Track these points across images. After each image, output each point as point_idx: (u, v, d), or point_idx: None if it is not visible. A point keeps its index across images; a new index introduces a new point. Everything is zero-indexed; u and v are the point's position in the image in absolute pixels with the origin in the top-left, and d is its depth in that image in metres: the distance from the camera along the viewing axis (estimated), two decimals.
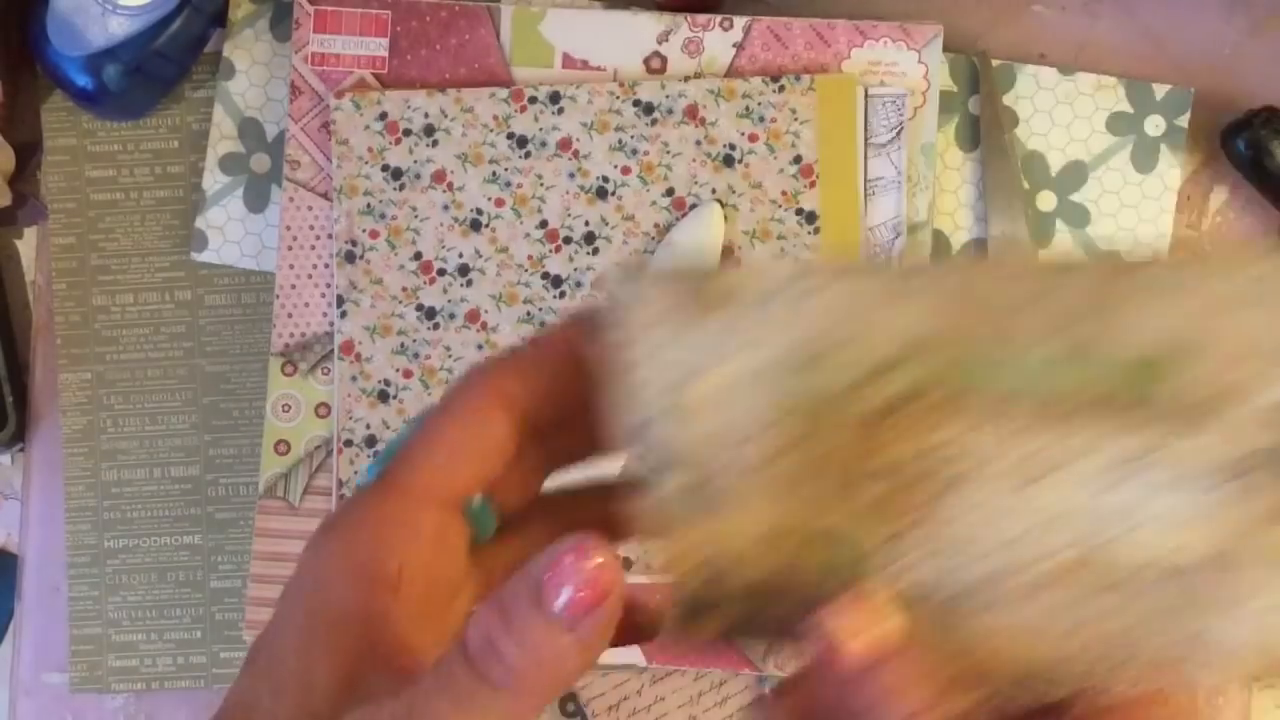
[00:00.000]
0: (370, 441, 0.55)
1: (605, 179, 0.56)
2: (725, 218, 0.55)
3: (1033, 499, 0.30)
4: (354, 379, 0.56)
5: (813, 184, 0.55)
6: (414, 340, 0.56)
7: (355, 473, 0.56)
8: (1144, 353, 0.29)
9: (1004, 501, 0.30)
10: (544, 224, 0.56)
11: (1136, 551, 0.30)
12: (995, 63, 0.57)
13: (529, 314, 0.56)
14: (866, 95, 0.56)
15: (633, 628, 0.30)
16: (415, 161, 0.56)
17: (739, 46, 0.56)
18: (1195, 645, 0.30)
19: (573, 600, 0.26)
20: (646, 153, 0.56)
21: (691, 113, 0.56)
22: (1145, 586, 0.30)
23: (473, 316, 0.56)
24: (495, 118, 0.56)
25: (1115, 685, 0.30)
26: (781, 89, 0.55)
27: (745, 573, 0.30)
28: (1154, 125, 0.57)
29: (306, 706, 0.28)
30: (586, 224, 0.56)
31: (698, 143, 0.55)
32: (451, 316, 0.56)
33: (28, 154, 0.58)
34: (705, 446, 0.30)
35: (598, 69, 0.56)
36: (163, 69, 0.56)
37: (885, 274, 0.30)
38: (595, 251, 0.56)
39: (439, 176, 0.56)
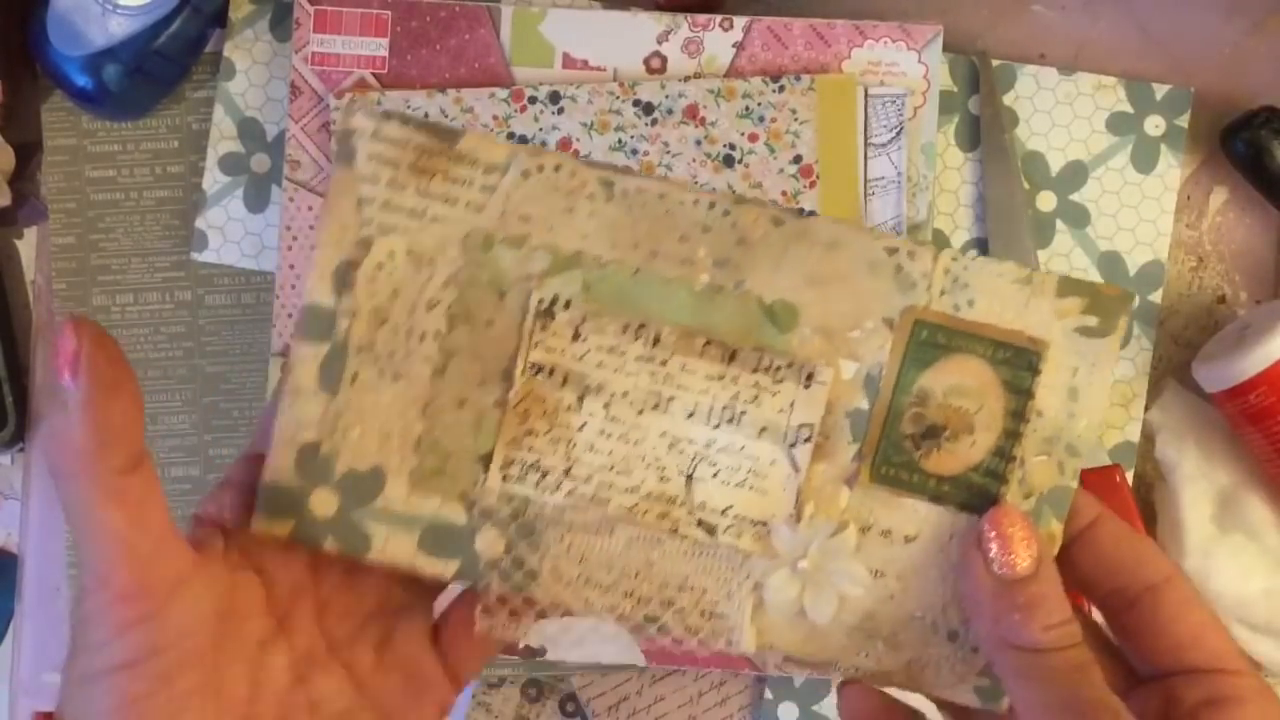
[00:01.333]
0: None
1: None
2: None
3: (648, 424, 0.34)
4: None
5: (813, 184, 0.55)
6: None
7: None
8: (770, 305, 0.34)
9: (624, 421, 0.34)
10: None
11: (722, 494, 0.34)
12: (995, 63, 0.57)
13: None
14: (866, 95, 0.56)
15: None
16: None
17: (739, 46, 0.56)
18: (748, 601, 0.34)
19: (62, 377, 0.29)
20: (646, 153, 0.56)
21: (691, 113, 0.56)
22: (721, 531, 0.34)
23: None
24: (495, 118, 0.56)
25: (664, 631, 0.35)
26: (781, 89, 0.55)
27: (367, 450, 0.34)
28: (1154, 125, 0.57)
29: None
30: None
31: (698, 143, 0.55)
32: None
33: (28, 154, 0.58)
34: (385, 303, 0.34)
35: (598, 69, 0.56)
36: (163, 69, 0.56)
37: (597, 170, 0.33)
38: None
39: None
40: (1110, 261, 0.57)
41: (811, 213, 0.33)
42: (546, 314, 0.33)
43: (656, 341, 0.34)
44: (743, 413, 0.34)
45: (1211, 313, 0.58)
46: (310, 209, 0.56)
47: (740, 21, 0.56)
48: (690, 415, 0.34)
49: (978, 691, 0.34)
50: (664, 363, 0.34)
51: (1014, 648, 0.32)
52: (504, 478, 0.34)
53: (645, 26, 0.56)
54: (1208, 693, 0.33)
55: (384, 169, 0.33)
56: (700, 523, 0.34)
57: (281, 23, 0.57)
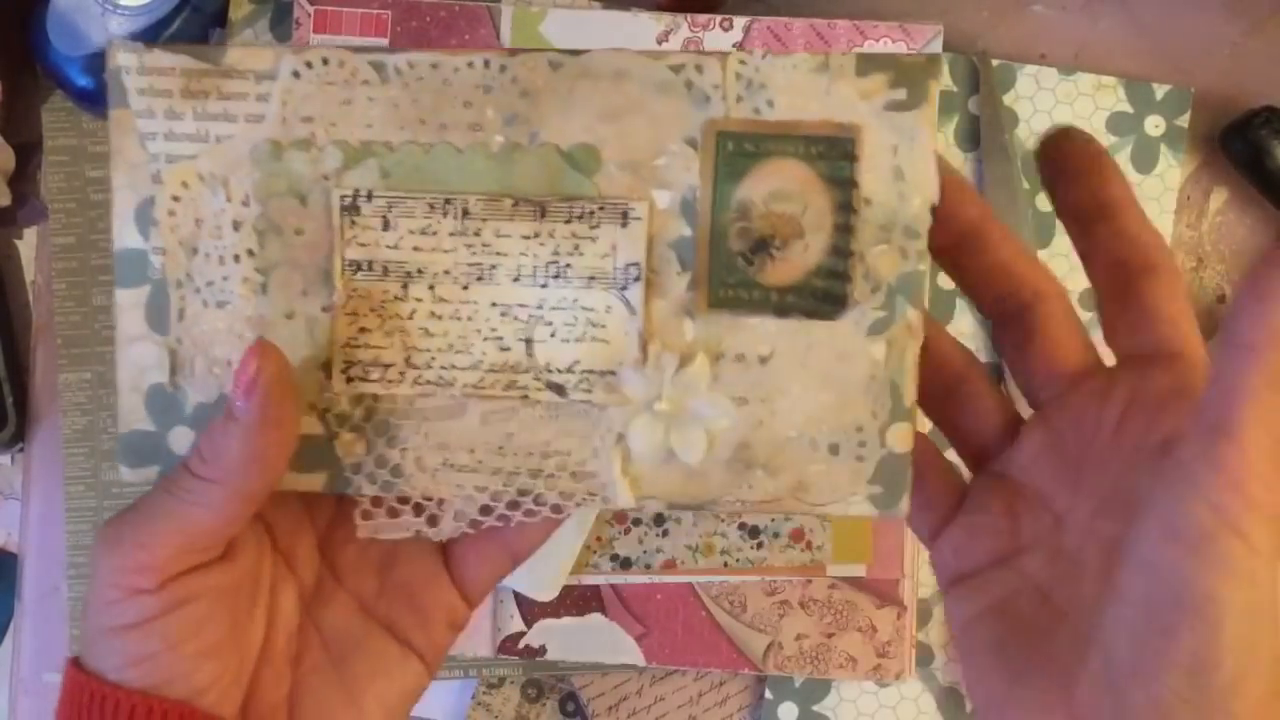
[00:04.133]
0: None
1: None
2: None
3: (476, 298, 0.33)
4: None
5: None
6: None
7: None
8: (569, 151, 0.32)
9: (452, 300, 0.33)
10: None
11: (565, 352, 0.33)
12: (995, 63, 0.57)
13: None
14: None
15: None
16: None
17: (739, 47, 0.56)
18: (615, 454, 0.33)
19: (235, 394, 0.32)
20: None
21: None
22: (571, 389, 0.33)
23: None
24: None
25: (541, 501, 0.34)
26: None
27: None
28: (1154, 125, 0.57)
29: None
30: None
31: None
32: None
33: (28, 154, 0.58)
34: (191, 232, 0.34)
35: None
36: None
37: (366, 54, 0.32)
38: None
39: None
40: None
41: (584, 50, 0.32)
42: (351, 209, 0.33)
43: (466, 213, 0.33)
44: (567, 265, 0.33)
45: (1211, 313, 0.58)
46: None
47: (740, 21, 0.56)
48: (516, 279, 0.33)
49: (872, 500, 0.33)
50: (478, 233, 0.33)
51: None
52: (348, 380, 0.34)
53: (645, 26, 0.56)
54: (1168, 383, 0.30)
55: (158, 101, 0.33)
56: (549, 384, 0.33)
57: (281, 23, 0.57)
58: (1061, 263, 0.57)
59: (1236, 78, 0.58)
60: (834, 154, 0.32)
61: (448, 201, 0.33)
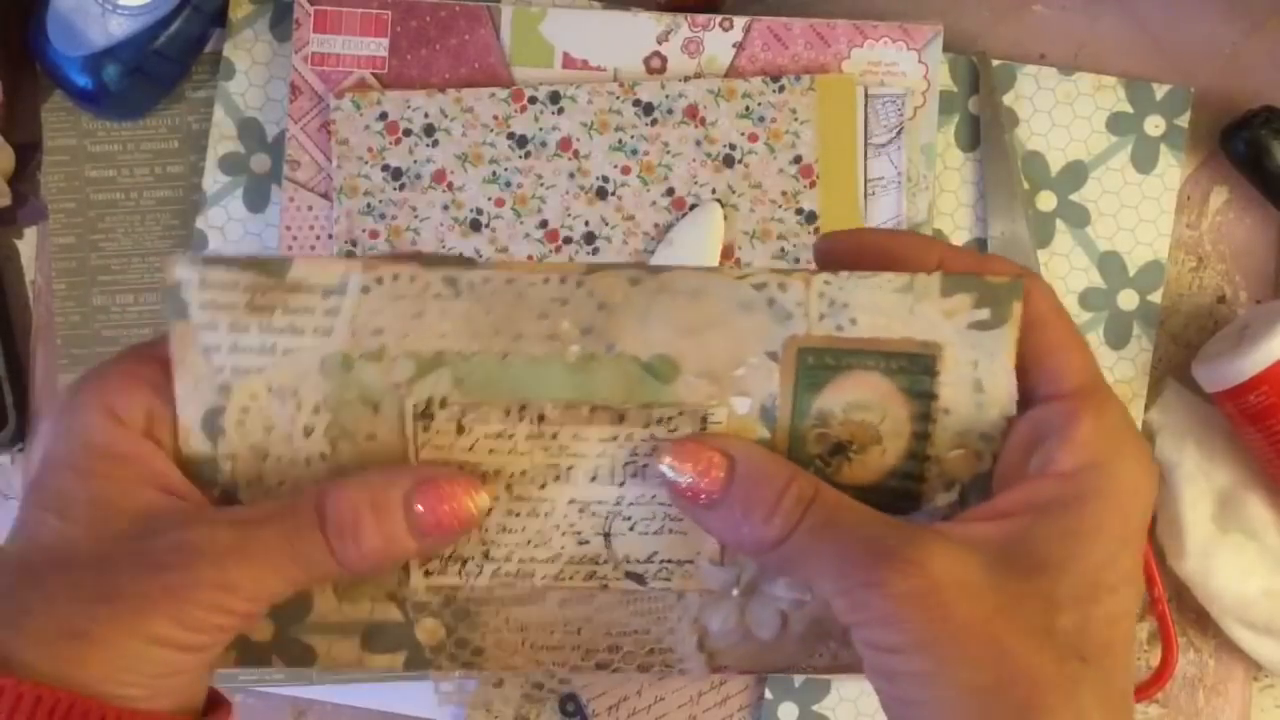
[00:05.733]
0: None
1: (605, 179, 0.56)
2: (725, 218, 0.55)
3: (554, 495, 0.34)
4: None
5: (812, 184, 0.55)
6: None
7: None
8: (647, 362, 0.33)
9: (529, 498, 0.34)
10: (544, 224, 0.56)
11: (643, 544, 0.34)
12: (995, 63, 0.57)
13: None
14: (866, 95, 0.56)
15: None
16: (415, 161, 0.56)
17: (739, 46, 0.56)
18: (692, 633, 0.35)
19: (438, 520, 0.31)
20: (646, 153, 0.56)
21: (691, 113, 0.56)
22: (650, 578, 0.34)
23: None
24: (495, 118, 0.56)
25: (619, 671, 0.35)
26: (781, 89, 0.55)
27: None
28: (1154, 125, 0.57)
29: (105, 524, 0.31)
30: (586, 224, 0.56)
31: (698, 143, 0.55)
32: None
33: (28, 154, 0.58)
34: (261, 439, 0.33)
35: (598, 69, 0.56)
36: (163, 69, 0.56)
37: (438, 270, 0.32)
38: (595, 251, 0.56)
39: (439, 176, 0.56)
40: (1110, 261, 0.57)
41: (666, 267, 0.33)
42: (425, 416, 0.33)
43: (542, 418, 0.33)
44: (644, 465, 0.33)
45: (1211, 313, 0.58)
46: (310, 209, 0.56)
47: (740, 21, 0.56)
48: (593, 479, 0.34)
49: None
50: (554, 436, 0.33)
51: (767, 553, 0.31)
52: (426, 574, 0.34)
53: (645, 26, 0.56)
54: (1034, 431, 0.32)
55: (221, 314, 0.32)
56: (628, 574, 0.34)
57: (281, 23, 0.57)
58: (1061, 263, 0.57)
59: (1236, 78, 0.58)
60: (915, 369, 0.33)
61: (523, 408, 0.33)
